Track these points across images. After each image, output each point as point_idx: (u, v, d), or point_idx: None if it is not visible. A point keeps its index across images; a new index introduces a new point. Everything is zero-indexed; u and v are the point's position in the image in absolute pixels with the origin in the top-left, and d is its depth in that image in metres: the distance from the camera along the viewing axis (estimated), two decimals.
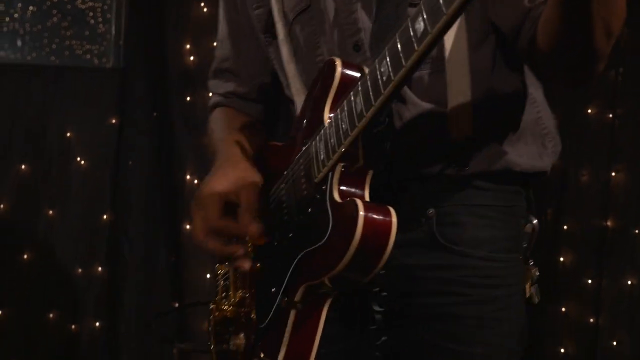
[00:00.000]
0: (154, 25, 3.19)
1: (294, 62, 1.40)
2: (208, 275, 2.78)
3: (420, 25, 0.94)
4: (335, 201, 1.10)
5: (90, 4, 3.79)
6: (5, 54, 3.50)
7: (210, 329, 1.46)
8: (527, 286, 1.25)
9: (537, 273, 1.27)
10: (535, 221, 1.25)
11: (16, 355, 3.02)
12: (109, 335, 3.08)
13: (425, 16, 0.93)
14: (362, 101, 1.06)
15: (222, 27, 1.60)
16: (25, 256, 3.05)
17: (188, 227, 3.04)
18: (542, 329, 3.05)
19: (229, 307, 1.38)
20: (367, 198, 1.11)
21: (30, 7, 3.55)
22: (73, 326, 3.07)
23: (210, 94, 1.65)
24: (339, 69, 1.18)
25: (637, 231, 2.88)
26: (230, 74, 1.60)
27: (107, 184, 3.15)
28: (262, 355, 1.23)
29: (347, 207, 1.07)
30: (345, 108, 1.11)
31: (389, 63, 1.00)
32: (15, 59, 3.50)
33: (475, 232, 1.20)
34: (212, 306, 1.44)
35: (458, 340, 1.21)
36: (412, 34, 0.96)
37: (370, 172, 1.13)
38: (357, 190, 1.12)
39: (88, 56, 3.75)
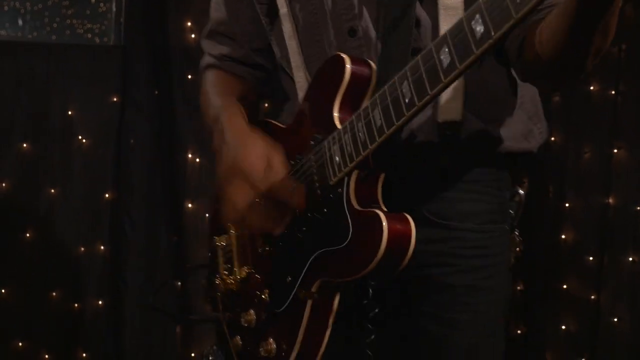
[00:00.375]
0: (155, 3, 3.16)
1: (296, 38, 1.40)
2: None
3: (447, 58, 0.97)
4: (354, 208, 1.15)
5: None
6: (6, 33, 3.49)
7: (217, 299, 1.48)
8: (518, 250, 1.34)
9: (521, 239, 1.34)
10: (521, 192, 1.34)
11: (19, 334, 3.02)
12: (112, 314, 3.10)
13: (453, 50, 0.96)
14: (382, 117, 1.09)
15: None
16: (28, 235, 3.05)
17: (190, 205, 3.06)
18: (544, 306, 3.10)
19: (234, 281, 1.42)
20: (380, 201, 1.17)
21: None
22: (76, 305, 3.08)
23: (204, 54, 1.63)
24: (348, 67, 1.19)
25: (638, 208, 2.87)
26: (226, 37, 1.58)
27: (109, 163, 3.15)
28: (271, 341, 1.29)
29: (370, 219, 1.12)
30: (363, 119, 1.14)
31: (412, 88, 1.03)
32: (16, 37, 3.49)
33: (462, 207, 1.27)
34: (217, 281, 1.46)
35: (448, 308, 1.27)
36: (438, 63, 0.99)
37: (383, 175, 1.17)
38: (372, 195, 1.18)
39: (89, 35, 3.73)
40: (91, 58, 3.23)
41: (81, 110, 3.13)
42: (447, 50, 0.97)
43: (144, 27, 3.20)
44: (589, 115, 3.00)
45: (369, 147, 1.11)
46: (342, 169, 1.16)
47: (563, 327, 3.04)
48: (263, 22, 1.50)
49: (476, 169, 1.28)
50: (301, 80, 1.42)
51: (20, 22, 3.58)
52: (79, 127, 3.13)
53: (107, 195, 3.13)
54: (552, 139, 3.07)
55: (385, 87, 1.10)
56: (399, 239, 1.10)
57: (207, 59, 1.62)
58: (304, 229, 1.26)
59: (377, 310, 1.24)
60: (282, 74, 1.51)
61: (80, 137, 3.12)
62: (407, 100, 1.04)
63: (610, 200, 2.91)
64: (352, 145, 1.14)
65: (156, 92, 3.11)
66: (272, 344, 1.29)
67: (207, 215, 2.80)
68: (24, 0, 3.57)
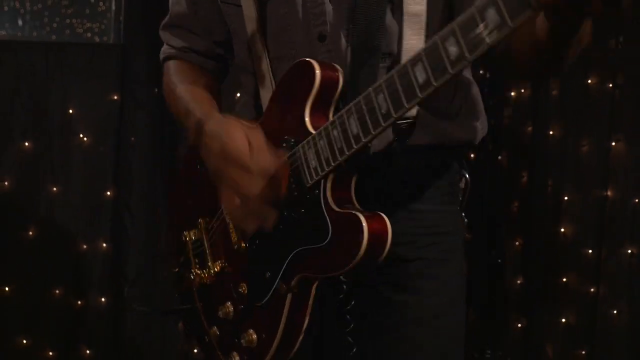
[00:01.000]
0: (154, 2, 3.06)
1: (262, 42, 1.41)
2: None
3: (422, 75, 1.01)
4: (332, 209, 1.20)
5: None
6: (6, 33, 3.51)
7: (191, 292, 1.50)
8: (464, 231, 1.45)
9: (466, 221, 1.45)
10: (467, 176, 1.43)
11: (22, 331, 3.02)
12: (113, 310, 3.11)
13: (428, 68, 1.00)
14: (358, 126, 1.13)
15: None
16: (30, 233, 3.06)
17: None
18: (543, 300, 3.12)
19: (207, 275, 1.45)
20: (354, 200, 1.23)
21: None
22: (78, 302, 3.09)
23: (165, 44, 1.62)
24: (318, 73, 1.22)
25: (637, 201, 2.89)
26: (186, 30, 1.57)
27: (109, 160, 3.15)
28: (251, 332, 1.33)
29: (349, 220, 1.18)
30: (339, 126, 1.18)
31: (388, 100, 1.08)
32: (16, 37, 3.52)
33: (422, 192, 1.36)
34: (190, 275, 1.48)
35: (412, 278, 1.34)
36: (412, 78, 1.03)
37: (355, 177, 1.23)
38: (347, 195, 1.23)
39: (89, 34, 3.76)
40: (91, 56, 3.23)
41: (81, 108, 3.14)
42: (422, 67, 1.01)
43: (143, 25, 3.19)
44: (587, 108, 3.01)
45: (346, 153, 1.15)
46: (319, 172, 1.21)
47: (563, 320, 3.06)
48: (226, 19, 1.50)
49: (430, 158, 1.37)
50: (265, 80, 1.44)
51: (20, 22, 3.61)
52: (79, 125, 3.13)
53: (108, 193, 3.14)
54: (551, 132, 3.12)
55: (360, 97, 1.14)
56: (377, 238, 1.16)
57: (167, 51, 1.62)
58: (281, 226, 1.28)
59: (353, 303, 1.31)
60: (240, 69, 1.53)
61: (80, 135, 3.13)
62: (383, 112, 1.08)
63: (609, 193, 2.93)
64: (328, 151, 1.19)
65: (156, 90, 3.08)
66: (252, 334, 1.32)
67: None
68: (24, 0, 3.59)
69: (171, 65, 1.60)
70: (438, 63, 0.99)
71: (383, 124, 1.10)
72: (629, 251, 2.89)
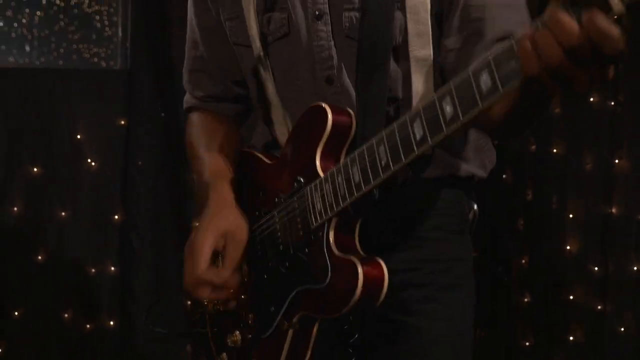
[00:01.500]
0: (159, 26, 3.19)
1: (271, 81, 1.45)
2: None
3: (420, 132, 1.04)
4: (333, 252, 1.22)
5: (96, 7, 3.84)
6: (15, 60, 3.54)
7: (204, 317, 1.52)
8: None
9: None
10: (475, 207, 1.47)
11: (32, 355, 3.03)
12: (124, 333, 3.11)
13: (425, 126, 1.03)
14: (360, 175, 1.16)
15: (193, 29, 1.62)
16: (40, 257, 3.07)
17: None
18: (550, 317, 3.12)
19: (219, 303, 1.46)
20: (357, 245, 1.25)
21: (38, 13, 3.60)
22: (87, 325, 3.09)
23: (187, 93, 1.68)
24: (330, 117, 1.25)
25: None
26: (204, 73, 1.62)
27: (117, 184, 3.17)
28: None
29: (347, 265, 1.20)
30: (343, 174, 1.20)
31: (388, 153, 1.10)
32: (24, 64, 3.54)
33: (431, 220, 1.39)
34: (205, 302, 1.48)
35: (421, 302, 1.36)
36: (411, 135, 1.06)
37: (360, 221, 1.25)
38: (350, 239, 1.25)
39: (95, 59, 3.79)
40: (98, 82, 3.27)
41: (89, 133, 3.16)
42: (420, 124, 1.04)
43: (149, 50, 3.23)
44: (589, 126, 3.03)
45: (348, 200, 1.18)
46: (323, 216, 1.23)
47: (571, 337, 3.06)
48: (238, 59, 1.54)
49: (442, 190, 1.40)
50: (278, 117, 1.47)
51: (27, 48, 3.64)
52: (87, 149, 3.15)
53: (116, 217, 3.15)
54: (554, 150, 3.14)
55: (364, 147, 1.16)
56: (373, 284, 1.18)
57: (191, 101, 1.67)
58: (287, 264, 1.32)
59: (356, 336, 1.33)
60: (257, 104, 1.56)
61: (88, 160, 3.15)
62: (383, 164, 1.11)
63: (613, 210, 2.94)
64: (332, 196, 1.21)
65: (162, 115, 3.16)
66: None
67: None
68: (31, 27, 3.62)
69: (193, 117, 1.66)
70: (434, 121, 1.02)
71: (382, 176, 1.12)
72: (635, 268, 2.90)
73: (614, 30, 0.76)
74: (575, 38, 0.79)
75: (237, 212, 1.41)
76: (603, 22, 0.76)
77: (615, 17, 0.76)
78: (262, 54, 1.43)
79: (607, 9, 0.76)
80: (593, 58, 0.79)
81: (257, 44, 1.43)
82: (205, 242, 1.36)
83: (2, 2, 3.57)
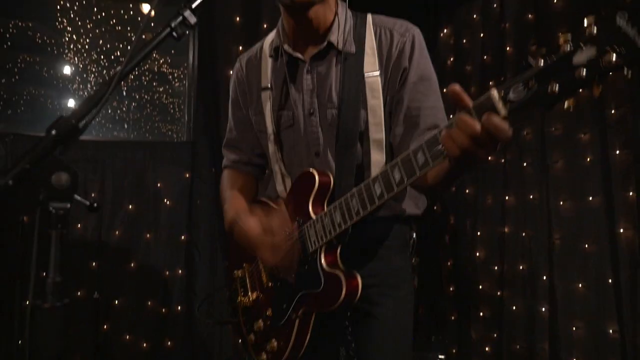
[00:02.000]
0: (212, 112, 3.17)
1: (279, 156, 1.45)
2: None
3: (379, 189, 1.08)
4: (324, 268, 1.24)
5: (171, 99, 3.95)
6: (117, 134, 3.67)
7: (237, 310, 1.52)
8: (413, 268, 1.48)
9: (415, 259, 1.43)
10: (414, 235, 1.46)
11: (127, 330, 3.01)
12: (188, 317, 3.08)
13: (382, 186, 1.07)
14: (341, 217, 1.19)
15: (230, 119, 1.61)
16: (132, 265, 3.09)
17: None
18: (467, 301, 3.10)
19: (248, 300, 1.47)
20: (339, 262, 1.26)
21: (133, 103, 3.73)
22: (163, 309, 3.09)
23: (225, 157, 1.67)
24: (317, 178, 1.28)
25: (524, 234, 2.82)
26: (237, 148, 1.62)
27: (184, 216, 3.16)
28: (273, 341, 1.36)
29: (334, 276, 1.23)
30: (329, 216, 1.22)
31: (359, 203, 1.14)
32: (124, 138, 3.66)
33: (386, 245, 1.40)
34: (237, 299, 1.50)
35: (378, 296, 1.37)
36: (373, 192, 1.10)
37: (340, 246, 1.27)
38: (334, 258, 1.27)
39: (169, 133, 3.89)
40: (172, 150, 3.30)
41: (166, 182, 3.18)
42: (378, 185, 1.08)
43: (206, 128, 3.20)
44: (488, 176, 3.02)
45: (333, 234, 1.21)
46: (316, 244, 1.25)
47: (481, 314, 3.05)
48: (260, 141, 1.54)
49: (391, 224, 1.41)
50: (279, 176, 1.46)
51: (125, 126, 3.77)
52: (164, 194, 3.17)
53: (182, 237, 3.16)
54: (467, 191, 3.13)
55: (342, 199, 1.18)
56: (352, 289, 1.21)
57: (225, 162, 1.66)
58: (293, 275, 1.32)
59: (338, 321, 1.35)
60: (270, 169, 1.56)
61: (165, 200, 3.17)
62: (355, 210, 1.15)
63: (506, 230, 2.92)
64: (322, 231, 1.23)
65: (213, 170, 3.14)
66: (274, 342, 1.36)
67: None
68: (129, 112, 3.76)
69: (226, 172, 1.64)
70: (388, 183, 1.05)
71: (355, 218, 1.15)
72: (521, 267, 2.84)
73: (504, 124, 0.82)
74: (477, 132, 0.83)
75: (259, 215, 1.38)
76: (495, 120, 0.82)
77: (503, 117, 0.82)
78: (274, 138, 1.43)
79: (497, 112, 0.82)
80: (490, 142, 0.84)
81: (272, 131, 1.43)
82: (251, 226, 1.33)
83: (111, 96, 3.63)
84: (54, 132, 0.90)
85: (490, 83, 2.90)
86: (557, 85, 0.75)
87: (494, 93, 0.82)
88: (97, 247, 2.99)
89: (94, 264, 3.00)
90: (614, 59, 0.71)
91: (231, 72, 1.63)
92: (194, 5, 0.99)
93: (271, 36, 1.48)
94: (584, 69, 0.73)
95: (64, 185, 0.93)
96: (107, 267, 3.00)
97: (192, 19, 0.99)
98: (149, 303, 3.09)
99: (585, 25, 0.73)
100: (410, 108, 1.30)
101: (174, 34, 0.98)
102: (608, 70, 0.72)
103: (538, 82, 0.77)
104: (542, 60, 0.77)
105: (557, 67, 0.76)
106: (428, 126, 1.26)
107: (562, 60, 0.75)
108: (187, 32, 1.00)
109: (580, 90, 0.74)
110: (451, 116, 0.89)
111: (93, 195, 2.98)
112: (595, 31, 0.72)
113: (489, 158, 0.87)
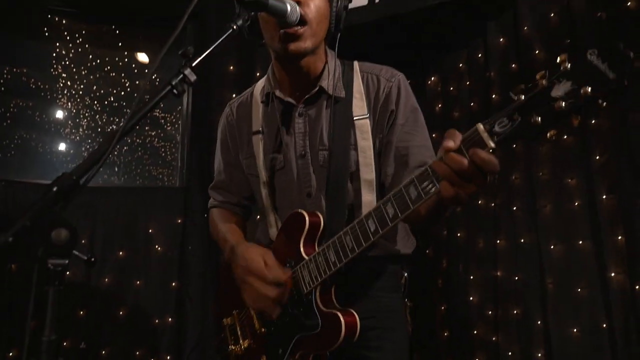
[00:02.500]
0: (205, 158, 3.18)
1: (270, 198, 1.46)
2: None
3: (373, 226, 1.09)
4: (321, 308, 1.24)
5: (162, 143, 3.98)
6: (108, 177, 3.64)
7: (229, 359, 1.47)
8: (407, 313, 1.47)
9: (409, 304, 1.47)
10: (406, 275, 1.47)
11: None
12: None
13: (377, 222, 1.08)
14: (335, 256, 1.19)
15: (219, 162, 1.63)
16: (121, 313, 3.04)
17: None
18: (462, 346, 3.01)
19: (239, 349, 1.43)
20: (335, 301, 1.26)
21: (125, 147, 3.72)
22: (152, 359, 3.00)
23: (211, 198, 1.68)
24: (307, 219, 1.29)
25: (516, 278, 2.79)
26: (225, 190, 1.65)
27: (175, 262, 3.13)
28: None
29: (333, 317, 1.22)
30: (322, 255, 1.22)
31: (353, 241, 1.14)
32: (113, 181, 3.62)
33: (377, 285, 1.41)
34: (228, 348, 1.46)
35: (375, 340, 1.36)
36: (367, 229, 1.10)
37: (334, 285, 1.28)
38: (330, 298, 1.27)
39: (161, 176, 3.89)
40: (164, 194, 3.31)
41: (157, 228, 3.17)
42: (372, 221, 1.09)
43: (198, 173, 3.20)
44: (479, 220, 3.01)
45: (328, 273, 1.21)
46: (311, 285, 1.24)
47: (476, 359, 2.98)
48: (250, 184, 1.55)
49: (383, 264, 1.42)
50: (271, 219, 1.47)
51: (116, 169, 3.76)
52: (156, 239, 3.15)
53: (173, 284, 3.13)
54: (458, 234, 3.13)
55: (336, 237, 1.19)
56: (350, 328, 1.21)
57: (212, 202, 1.68)
58: (288, 319, 1.30)
59: None
60: (259, 212, 1.56)
61: (156, 246, 3.16)
62: (350, 247, 1.15)
63: (498, 274, 2.91)
64: (316, 271, 1.23)
65: (205, 216, 3.02)
66: None
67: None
68: (119, 154, 3.76)
69: (215, 211, 1.67)
70: (382, 219, 1.06)
71: (350, 256, 1.15)
72: (515, 312, 2.78)
73: (490, 157, 0.86)
74: (464, 167, 0.86)
75: (260, 248, 1.37)
76: (482, 154, 0.85)
77: (490, 150, 0.86)
78: (267, 180, 1.45)
79: (484, 146, 0.86)
80: (478, 175, 0.87)
81: (264, 174, 1.45)
82: (256, 255, 1.31)
83: (102, 139, 3.60)
84: (55, 188, 0.90)
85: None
86: (539, 117, 0.80)
87: (481, 127, 0.86)
88: (85, 294, 2.94)
89: (81, 312, 2.94)
90: (589, 90, 0.76)
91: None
92: (194, 64, 1.03)
93: (261, 83, 1.54)
94: (562, 101, 0.78)
95: (64, 241, 0.93)
96: (95, 315, 2.95)
97: (192, 77, 1.02)
98: (137, 353, 3.01)
99: (559, 62, 0.78)
100: (399, 148, 1.34)
101: (175, 91, 1.01)
102: (584, 102, 0.77)
103: (521, 115, 0.82)
104: (523, 95, 0.82)
105: (537, 100, 0.81)
106: (417, 164, 1.29)
107: (542, 94, 0.80)
108: (187, 89, 1.03)
109: (560, 121, 0.80)
110: (439, 149, 0.92)
111: (83, 241, 2.96)
112: (569, 67, 0.77)
113: (477, 193, 0.92)
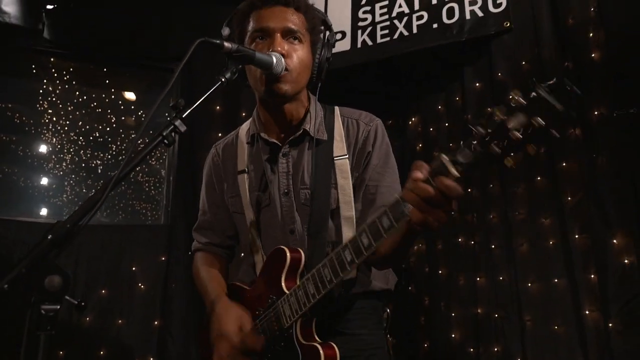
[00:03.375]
0: (190, 196, 3.21)
1: (256, 235, 1.48)
2: None
3: (349, 256, 1.12)
4: (301, 342, 1.25)
5: (147, 178, 4.02)
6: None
7: None
8: (390, 349, 1.49)
9: (392, 341, 1.43)
10: (388, 310, 1.50)
11: None
12: None
13: (352, 252, 1.12)
14: (314, 288, 1.21)
15: (204, 201, 1.64)
16: (102, 352, 3.01)
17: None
18: None
19: None
20: (315, 334, 1.27)
21: None
22: None
23: (195, 241, 1.70)
24: (288, 255, 1.32)
25: (496, 315, 2.83)
26: (208, 230, 1.65)
27: (158, 301, 3.14)
28: None
29: (312, 349, 1.23)
30: (302, 288, 1.24)
31: (330, 272, 1.18)
32: (95, 220, 3.62)
33: (359, 322, 1.42)
34: None
35: None
36: (344, 259, 1.14)
37: (315, 319, 1.30)
38: (310, 331, 1.27)
39: (144, 211, 3.90)
40: (147, 232, 3.32)
41: (141, 266, 3.17)
42: (348, 252, 1.13)
43: (183, 209, 3.23)
44: (460, 258, 3.06)
45: (307, 305, 1.22)
46: (292, 318, 1.26)
47: None
48: (235, 222, 1.57)
49: (363, 300, 1.43)
50: (257, 256, 1.49)
51: (98, 203, 3.78)
52: (139, 277, 3.15)
53: (156, 322, 3.13)
54: (440, 272, 3.19)
55: (314, 270, 1.22)
56: (330, 359, 1.22)
57: (196, 245, 1.68)
58: (269, 355, 1.32)
59: None
60: (243, 250, 1.58)
61: (140, 284, 3.16)
62: (328, 279, 1.18)
63: (479, 311, 2.95)
64: (297, 305, 1.24)
65: (189, 253, 3.08)
66: None
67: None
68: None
69: (198, 255, 1.67)
70: (358, 248, 1.09)
71: (328, 287, 1.18)
72: (496, 349, 2.83)
73: (454, 184, 0.91)
74: (431, 193, 0.91)
75: (241, 309, 1.40)
76: (447, 181, 0.91)
77: (454, 178, 0.91)
78: (252, 218, 1.47)
79: (448, 174, 0.91)
80: (445, 201, 0.92)
81: (249, 211, 1.48)
82: (230, 325, 1.35)
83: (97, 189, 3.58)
84: (49, 236, 0.94)
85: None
86: (497, 147, 0.87)
87: (445, 158, 0.92)
88: (66, 334, 2.91)
89: (61, 352, 2.92)
90: (541, 121, 0.83)
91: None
92: (184, 115, 1.09)
93: (246, 125, 1.60)
94: (518, 132, 0.85)
95: (57, 288, 0.96)
96: (76, 355, 2.92)
97: (182, 128, 1.08)
98: None
99: (513, 96, 0.85)
100: (369, 187, 1.40)
101: (166, 141, 1.08)
102: (538, 131, 0.83)
103: (481, 146, 0.88)
104: (482, 128, 0.89)
105: (495, 132, 0.87)
106: (384, 203, 1.25)
107: (499, 126, 0.86)
108: (176, 138, 1.09)
109: (517, 150, 0.86)
110: (408, 180, 0.98)
111: None
112: (522, 101, 0.84)
113: (446, 219, 0.96)
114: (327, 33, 1.51)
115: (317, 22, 1.49)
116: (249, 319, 1.38)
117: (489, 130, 0.87)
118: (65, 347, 2.92)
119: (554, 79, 0.83)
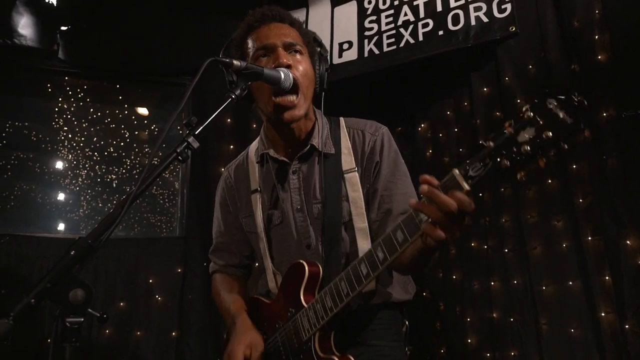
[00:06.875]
0: (204, 208, 3.26)
1: (268, 252, 1.50)
2: None
3: (365, 270, 1.14)
4: (320, 355, 1.26)
5: (161, 191, 4.11)
6: None
7: None
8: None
9: (409, 350, 1.48)
10: (407, 322, 1.50)
11: None
12: None
13: (367, 266, 1.14)
14: (331, 301, 1.23)
15: (219, 223, 1.66)
16: None
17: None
18: None
19: None
20: (333, 347, 1.28)
21: (124, 195, 3.87)
22: None
23: (212, 263, 1.73)
24: (307, 269, 1.34)
25: (512, 320, 2.83)
26: (225, 252, 1.68)
27: (175, 312, 3.21)
28: None
29: None
30: (320, 302, 1.26)
31: (347, 285, 1.19)
32: (114, 235, 3.72)
33: (377, 334, 1.42)
34: None
35: None
36: (360, 272, 1.15)
37: (333, 332, 1.32)
38: (329, 344, 1.29)
39: (159, 224, 3.98)
40: (163, 244, 3.40)
41: (158, 278, 3.25)
42: (364, 265, 1.14)
43: (197, 221, 3.30)
44: (474, 263, 3.08)
45: (325, 319, 1.24)
46: (310, 331, 1.28)
47: None
48: (250, 241, 1.60)
49: (383, 312, 1.44)
50: (270, 273, 1.51)
51: None
52: (156, 289, 3.22)
53: (173, 333, 3.18)
54: (454, 277, 3.20)
55: (331, 284, 1.24)
56: None
57: (214, 267, 1.72)
58: None
59: None
60: (260, 267, 1.60)
61: (157, 296, 3.23)
62: (345, 292, 1.19)
63: (494, 315, 2.95)
64: (314, 318, 1.27)
65: (205, 264, 3.12)
66: None
67: None
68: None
69: (217, 277, 1.71)
70: (373, 263, 1.11)
71: (345, 300, 1.20)
72: (512, 353, 2.80)
73: (466, 199, 0.93)
74: (448, 207, 0.93)
75: (256, 332, 1.43)
76: (459, 194, 0.93)
77: (465, 191, 0.93)
78: (265, 236, 1.50)
79: (460, 189, 0.93)
80: (458, 213, 0.94)
81: (262, 230, 1.50)
82: (238, 351, 1.36)
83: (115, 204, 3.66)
84: (72, 252, 0.98)
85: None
86: (508, 160, 0.89)
87: (457, 172, 0.94)
88: (86, 346, 2.97)
89: None
90: (550, 135, 0.85)
91: (222, 169, 1.72)
92: (197, 132, 1.11)
93: (255, 144, 1.63)
94: (528, 146, 0.87)
95: (80, 301, 1.00)
96: None
97: (196, 144, 1.11)
98: None
99: (523, 110, 0.87)
100: (383, 196, 1.40)
101: (180, 157, 1.10)
102: (547, 145, 0.86)
103: (492, 160, 0.90)
104: (492, 142, 0.91)
105: (505, 146, 0.89)
106: (400, 211, 1.35)
107: (509, 140, 0.89)
108: (190, 154, 1.12)
109: (527, 163, 0.89)
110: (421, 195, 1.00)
111: None
112: (532, 115, 0.86)
113: (457, 234, 0.98)
114: (319, 48, 1.53)
115: (310, 36, 1.53)
116: (261, 343, 1.39)
117: (499, 144, 0.89)
118: (86, 359, 2.96)
119: (564, 96, 0.84)
